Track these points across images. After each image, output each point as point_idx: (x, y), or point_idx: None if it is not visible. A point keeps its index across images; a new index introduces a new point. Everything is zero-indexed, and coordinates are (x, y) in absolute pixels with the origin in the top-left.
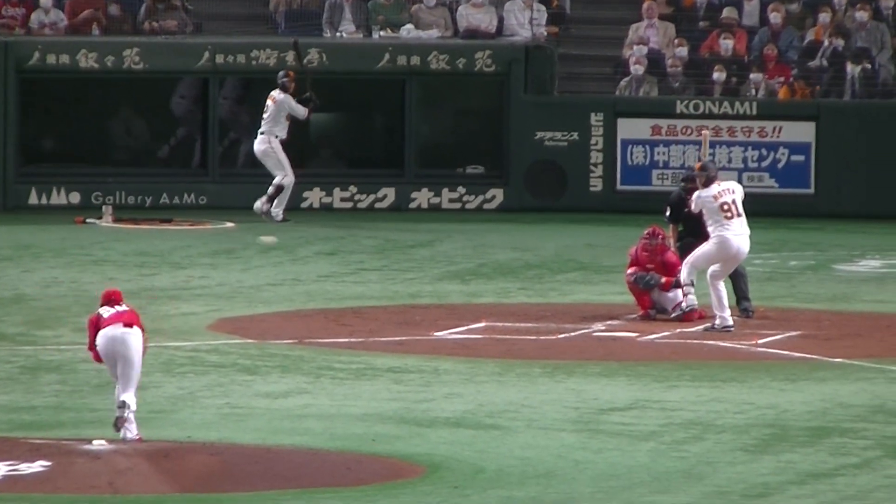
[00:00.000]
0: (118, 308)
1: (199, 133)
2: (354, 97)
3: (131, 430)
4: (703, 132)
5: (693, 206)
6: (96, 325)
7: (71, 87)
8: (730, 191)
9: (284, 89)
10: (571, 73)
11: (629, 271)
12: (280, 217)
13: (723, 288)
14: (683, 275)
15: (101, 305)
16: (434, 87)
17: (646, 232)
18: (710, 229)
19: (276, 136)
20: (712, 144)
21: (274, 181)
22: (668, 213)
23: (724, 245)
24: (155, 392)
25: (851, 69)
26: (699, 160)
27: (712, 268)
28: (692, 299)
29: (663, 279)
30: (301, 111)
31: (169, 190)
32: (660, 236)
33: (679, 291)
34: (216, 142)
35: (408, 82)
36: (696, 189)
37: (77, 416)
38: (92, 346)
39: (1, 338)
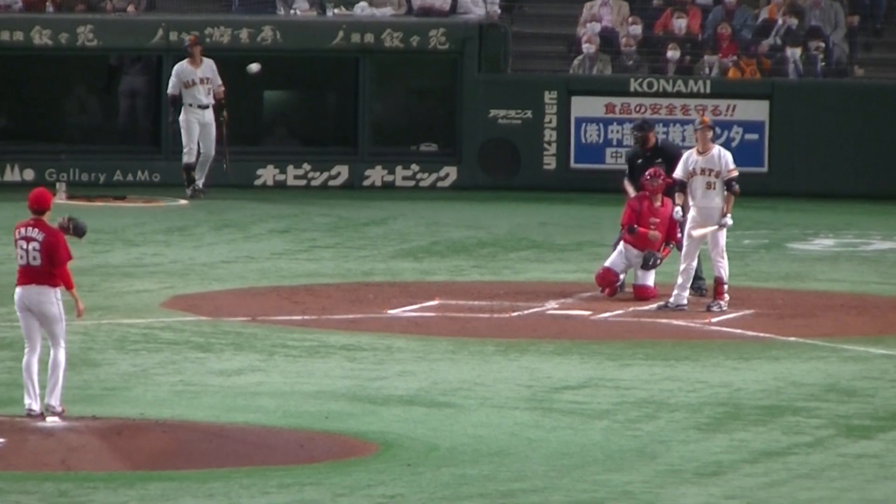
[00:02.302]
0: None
1: (153, 110)
2: (308, 75)
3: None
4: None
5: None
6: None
7: (24, 64)
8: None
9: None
10: (525, 51)
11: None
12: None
13: (696, 264)
14: (723, 272)
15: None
16: (388, 66)
17: (647, 173)
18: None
19: (189, 105)
20: (665, 122)
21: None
22: (626, 172)
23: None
24: (108, 369)
25: (791, 52)
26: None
27: (689, 244)
28: (683, 296)
29: (662, 253)
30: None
31: (122, 167)
32: (660, 177)
33: (653, 272)
34: (168, 120)
35: (361, 60)
36: (649, 137)
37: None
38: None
39: None
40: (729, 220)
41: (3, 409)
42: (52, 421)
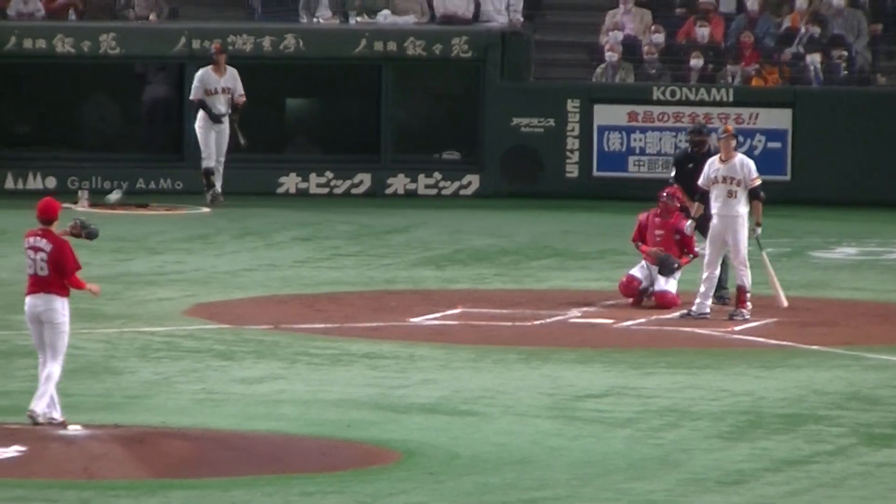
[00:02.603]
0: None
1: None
2: (331, 83)
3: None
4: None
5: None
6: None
7: (47, 72)
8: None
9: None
10: (547, 59)
11: (644, 249)
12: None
13: (718, 273)
14: (746, 281)
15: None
16: (410, 73)
17: (665, 191)
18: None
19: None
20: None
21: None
22: (672, 174)
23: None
24: (130, 377)
25: (811, 59)
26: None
27: (711, 253)
28: (705, 304)
29: (682, 261)
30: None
31: (145, 175)
32: (676, 198)
33: (674, 280)
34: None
35: (384, 68)
36: (705, 142)
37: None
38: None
39: None
40: (758, 230)
41: (25, 417)
42: (74, 429)
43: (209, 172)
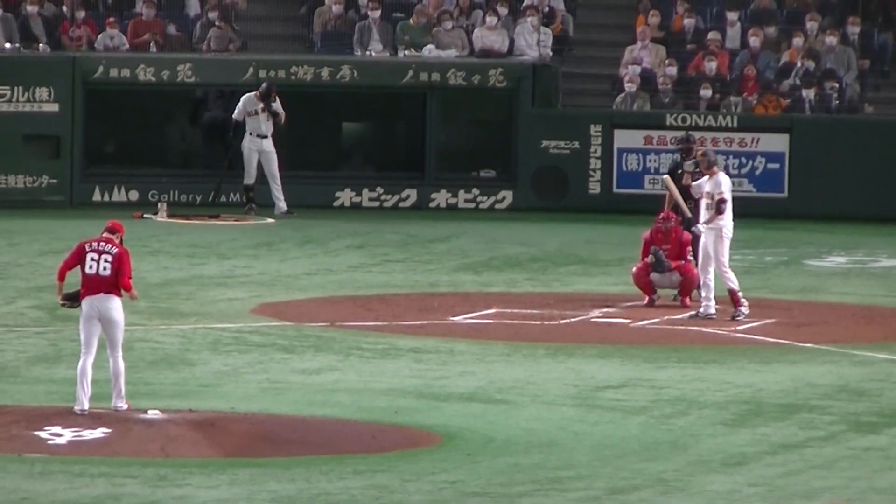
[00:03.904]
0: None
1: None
2: (381, 109)
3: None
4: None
5: (716, 191)
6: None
7: (131, 98)
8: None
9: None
10: (573, 88)
11: (639, 265)
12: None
13: (712, 277)
14: (730, 283)
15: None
16: (452, 100)
17: (659, 216)
18: (713, 218)
19: (250, 133)
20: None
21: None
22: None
23: (731, 228)
24: (203, 368)
25: (806, 93)
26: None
27: (702, 259)
28: (710, 306)
29: (673, 265)
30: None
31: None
32: (672, 220)
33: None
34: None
35: (429, 96)
36: (692, 149)
37: (133, 389)
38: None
39: (66, 318)
40: (700, 228)
41: (110, 402)
42: (153, 413)
43: (248, 189)
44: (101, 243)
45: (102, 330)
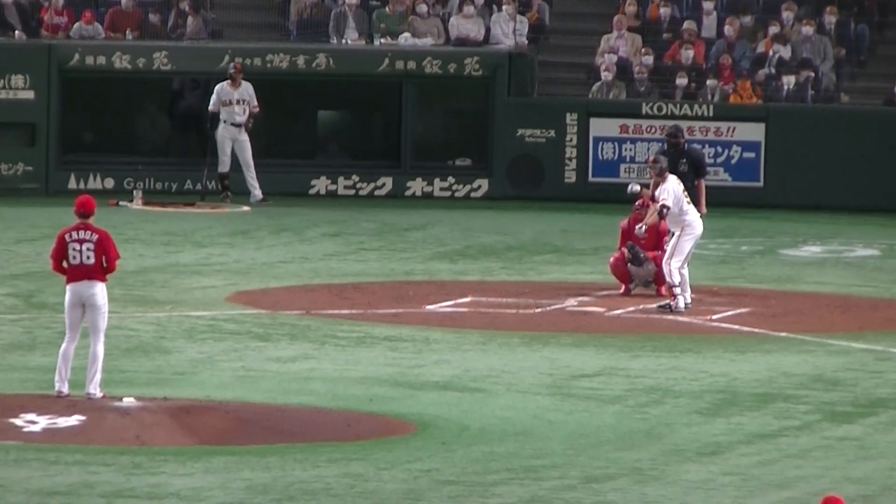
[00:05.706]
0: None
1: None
2: (357, 97)
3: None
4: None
5: (660, 196)
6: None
7: (106, 86)
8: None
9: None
10: (549, 77)
11: (616, 255)
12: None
13: (686, 270)
14: (669, 277)
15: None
16: (428, 89)
17: (636, 204)
18: (677, 218)
19: (225, 121)
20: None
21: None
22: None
23: (698, 226)
24: (178, 356)
25: (787, 80)
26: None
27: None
28: (681, 301)
29: (651, 255)
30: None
31: (192, 177)
32: (649, 208)
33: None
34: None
35: (405, 84)
36: (679, 143)
37: (108, 377)
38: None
39: (41, 306)
40: (643, 228)
41: (84, 390)
42: (128, 401)
43: (223, 177)
44: (80, 232)
45: (85, 315)
